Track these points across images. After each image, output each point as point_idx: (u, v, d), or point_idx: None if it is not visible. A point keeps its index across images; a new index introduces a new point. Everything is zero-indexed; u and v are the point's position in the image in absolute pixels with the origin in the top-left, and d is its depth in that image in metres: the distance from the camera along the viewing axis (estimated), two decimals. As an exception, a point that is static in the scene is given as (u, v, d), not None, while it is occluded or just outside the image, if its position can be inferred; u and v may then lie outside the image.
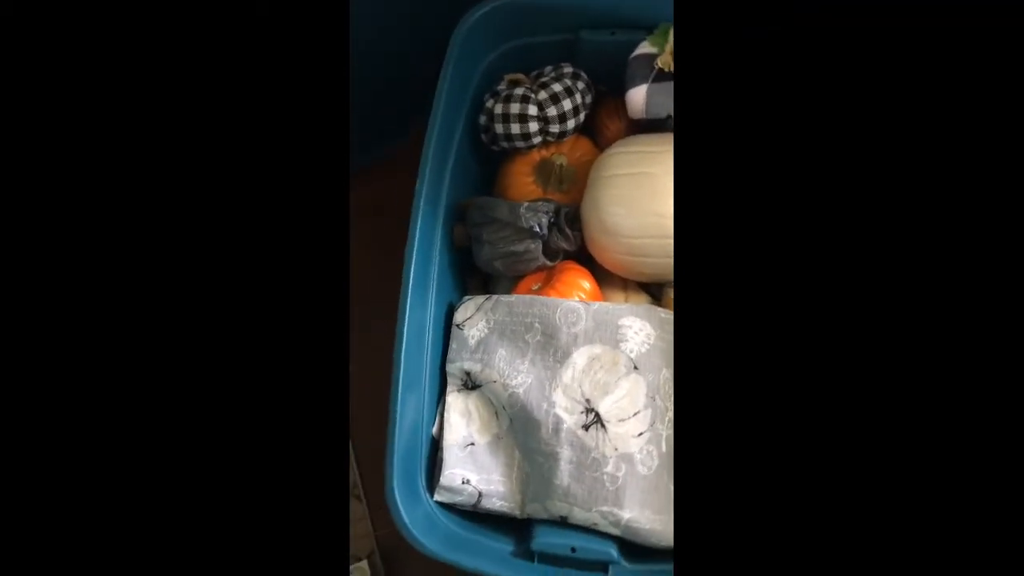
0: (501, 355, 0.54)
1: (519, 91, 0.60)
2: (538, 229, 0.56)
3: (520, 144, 0.61)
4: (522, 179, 0.64)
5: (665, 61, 0.56)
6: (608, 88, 0.63)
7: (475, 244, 0.60)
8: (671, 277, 0.57)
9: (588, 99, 0.61)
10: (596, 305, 0.55)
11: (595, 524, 0.49)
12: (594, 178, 0.57)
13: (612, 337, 0.53)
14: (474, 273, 0.64)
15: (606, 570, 0.47)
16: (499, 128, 0.60)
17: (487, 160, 0.66)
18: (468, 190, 0.63)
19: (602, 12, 0.60)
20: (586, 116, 0.62)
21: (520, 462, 0.53)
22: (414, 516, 0.46)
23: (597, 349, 0.53)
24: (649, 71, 0.57)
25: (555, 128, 0.60)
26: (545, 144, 0.63)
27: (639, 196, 0.54)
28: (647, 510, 0.49)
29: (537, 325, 0.54)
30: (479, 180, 0.66)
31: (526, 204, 0.57)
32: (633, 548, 0.49)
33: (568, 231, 0.58)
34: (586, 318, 0.54)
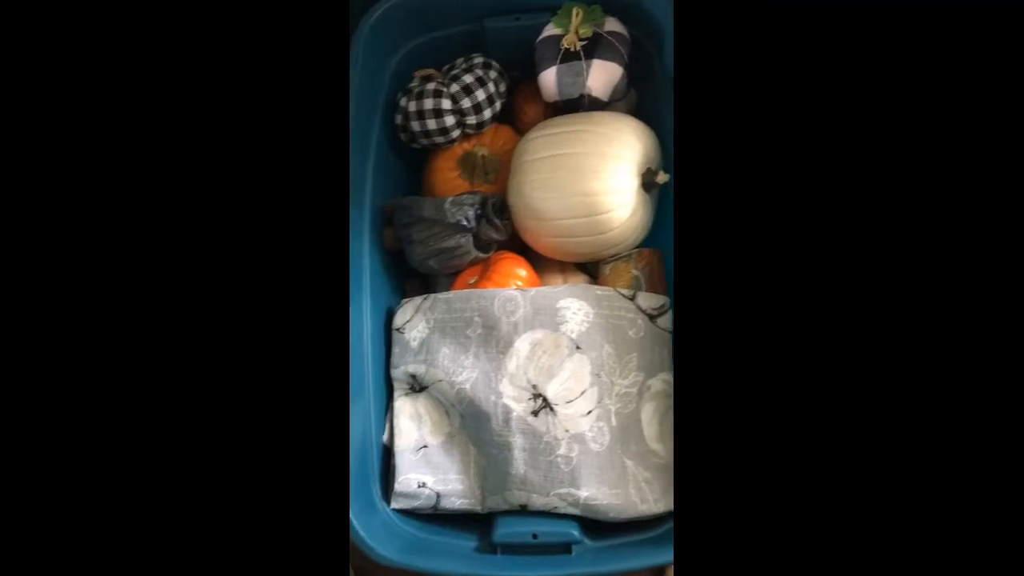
0: (445, 353, 0.54)
1: (431, 86, 0.59)
2: (465, 223, 0.56)
3: (439, 139, 0.60)
4: (447, 175, 0.63)
5: (570, 41, 0.56)
6: (521, 74, 0.63)
7: (406, 245, 0.59)
8: (604, 254, 0.58)
9: (502, 87, 0.61)
10: (533, 291, 0.55)
11: (555, 508, 0.49)
12: (516, 164, 0.57)
13: (552, 320, 0.53)
14: (411, 274, 0.63)
15: (570, 550, 0.47)
16: (415, 126, 0.60)
17: (411, 160, 0.65)
18: (394, 192, 0.62)
19: (501, -3, 0.59)
20: (503, 104, 0.62)
21: (476, 457, 0.52)
22: (370, 527, 0.46)
23: (538, 334, 0.53)
24: (556, 53, 0.57)
25: (472, 119, 0.60)
26: (465, 137, 0.62)
27: (562, 177, 0.54)
28: (604, 486, 0.49)
29: (477, 319, 0.54)
30: (405, 181, 0.65)
31: (450, 199, 0.57)
32: (594, 525, 0.49)
33: (497, 221, 0.57)
34: (524, 305, 0.54)
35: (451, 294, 0.56)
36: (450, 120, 0.59)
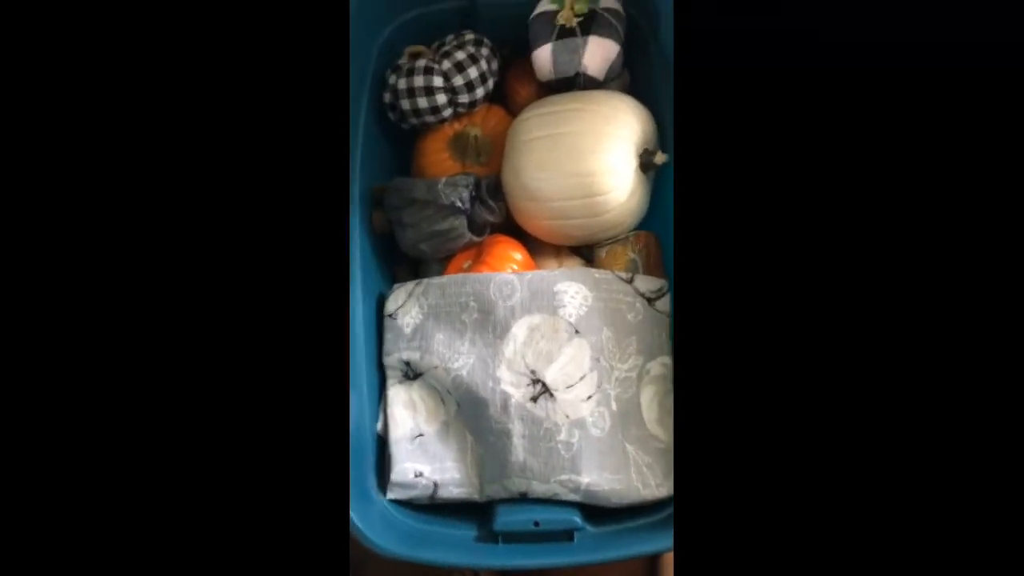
0: (439, 339, 0.52)
1: (421, 63, 0.57)
2: (460, 204, 0.54)
3: (430, 119, 0.59)
4: (438, 156, 0.61)
5: (566, 17, 0.54)
6: (512, 52, 0.61)
7: (397, 229, 0.57)
8: (600, 237, 0.57)
9: (494, 65, 0.59)
10: (529, 274, 0.53)
11: (556, 495, 0.48)
12: (511, 145, 0.56)
13: (549, 304, 0.52)
14: (401, 260, 0.61)
15: (572, 537, 0.46)
16: (405, 104, 0.57)
17: (400, 140, 0.63)
18: (382, 174, 0.60)
19: (495, -28, 0.57)
20: (495, 83, 0.60)
21: (473, 445, 0.51)
22: (367, 518, 0.44)
23: (536, 319, 0.52)
24: (551, 29, 0.55)
25: (464, 98, 0.58)
26: (456, 117, 0.60)
27: (559, 158, 0.53)
28: (605, 472, 0.48)
29: (472, 303, 0.53)
30: (393, 163, 0.63)
31: (444, 180, 0.55)
32: (594, 512, 0.48)
33: (491, 203, 0.56)
34: (521, 289, 0.52)
35: (445, 278, 0.54)
36: (442, 99, 0.57)
